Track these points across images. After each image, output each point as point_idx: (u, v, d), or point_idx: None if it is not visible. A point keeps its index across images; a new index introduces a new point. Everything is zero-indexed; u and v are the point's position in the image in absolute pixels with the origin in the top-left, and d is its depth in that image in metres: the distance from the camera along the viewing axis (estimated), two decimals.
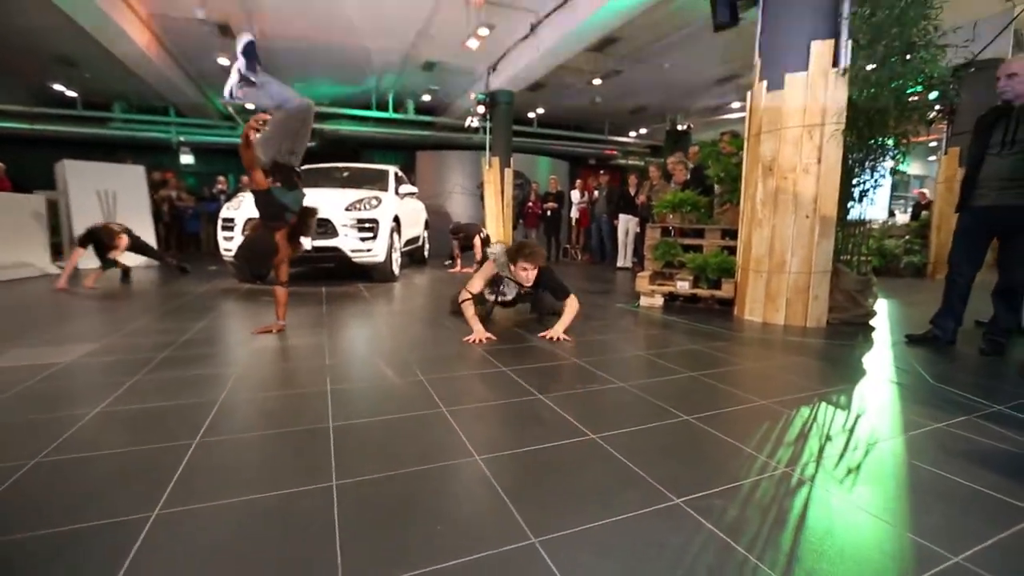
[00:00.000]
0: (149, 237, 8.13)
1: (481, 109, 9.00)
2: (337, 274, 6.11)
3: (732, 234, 4.27)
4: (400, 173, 7.37)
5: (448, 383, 2.20)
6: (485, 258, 5.08)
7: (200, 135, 13.52)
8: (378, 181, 6.66)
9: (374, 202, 5.57)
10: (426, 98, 11.54)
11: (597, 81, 9.11)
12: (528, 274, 3.21)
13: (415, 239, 7.53)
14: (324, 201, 5.41)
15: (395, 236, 5.99)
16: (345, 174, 7.04)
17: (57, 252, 7.51)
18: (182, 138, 13.26)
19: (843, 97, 3.37)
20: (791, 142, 3.47)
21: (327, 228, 5.21)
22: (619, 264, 8.18)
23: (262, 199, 2.90)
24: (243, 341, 2.96)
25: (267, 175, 2.96)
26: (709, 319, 3.75)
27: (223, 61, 8.23)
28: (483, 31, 6.42)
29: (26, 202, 6.83)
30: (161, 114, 12.98)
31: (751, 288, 3.72)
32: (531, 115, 13.25)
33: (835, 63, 3.39)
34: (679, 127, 13.13)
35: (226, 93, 3.02)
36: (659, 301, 4.27)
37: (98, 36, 6.97)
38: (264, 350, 2.74)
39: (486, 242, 7.38)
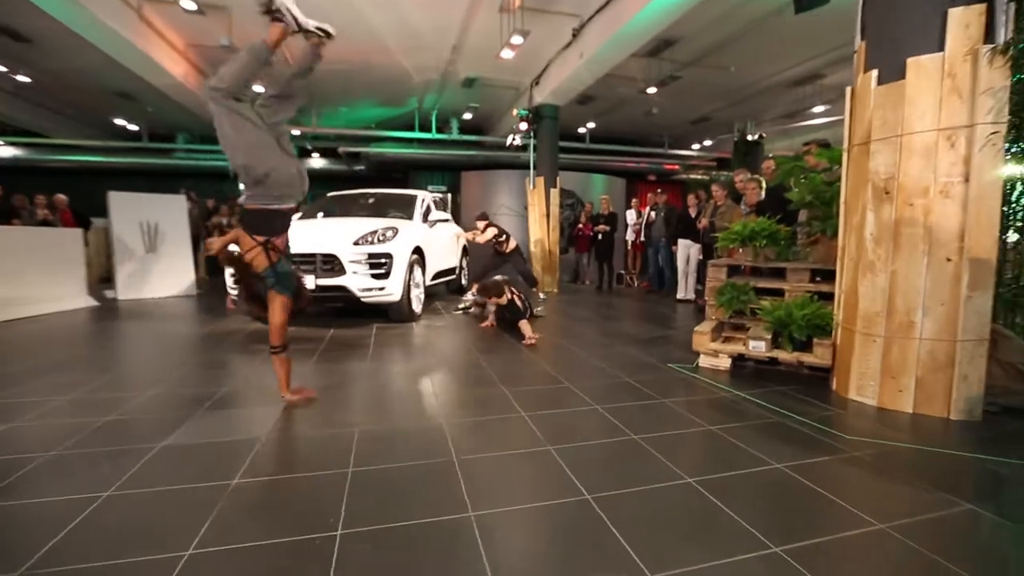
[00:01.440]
0: (188, 265, 8.09)
1: (523, 126, 8.30)
2: (350, 312, 5.52)
3: (826, 275, 3.21)
4: (434, 197, 6.79)
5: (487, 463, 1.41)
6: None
7: None
8: (406, 207, 6.09)
9: (389, 234, 4.95)
10: (467, 116, 11.02)
11: (652, 90, 8.17)
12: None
13: (449, 270, 6.84)
14: (330, 235, 4.88)
15: (416, 271, 5.34)
16: (371, 200, 6.54)
17: (105, 280, 7.59)
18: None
19: (1004, 85, 2.29)
20: (920, 153, 2.43)
21: (333, 265, 4.63)
22: (679, 296, 7.09)
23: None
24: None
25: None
26: (796, 399, 2.72)
27: (258, 88, 8.11)
28: (516, 39, 5.74)
29: (66, 236, 6.87)
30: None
31: (859, 357, 2.66)
32: (582, 130, 12.41)
33: (988, 37, 2.33)
34: (749, 137, 11.77)
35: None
36: (725, 363, 3.27)
37: (138, 71, 7.00)
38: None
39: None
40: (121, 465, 1.89)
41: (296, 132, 11.69)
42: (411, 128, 11.39)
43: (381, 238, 4.87)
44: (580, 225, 9.67)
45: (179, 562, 1.33)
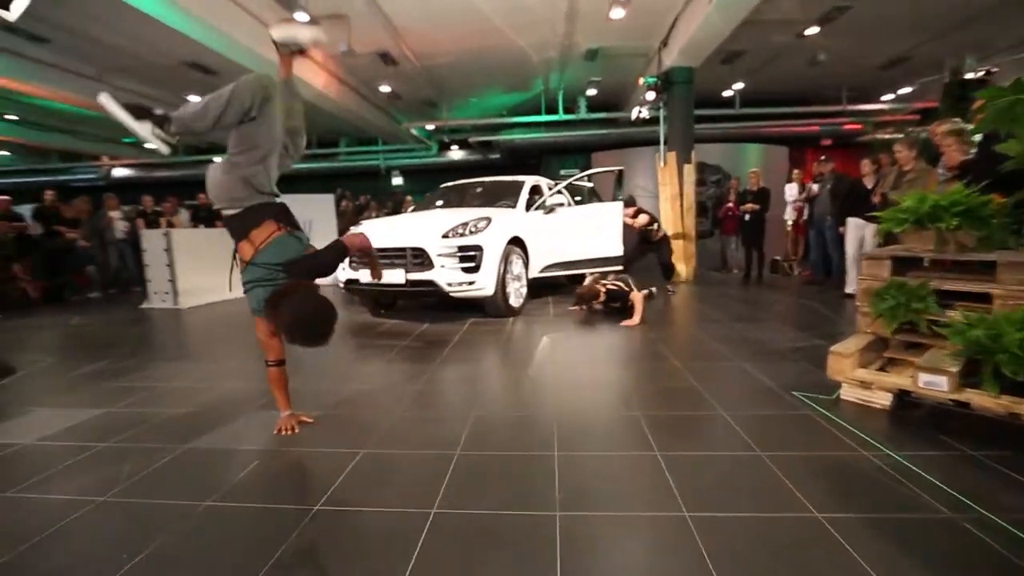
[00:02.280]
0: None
1: (651, 95, 7.35)
2: (449, 306, 5.39)
3: None
4: (547, 182, 6.30)
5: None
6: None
7: (403, 159, 14.93)
8: (513, 194, 5.77)
9: (481, 224, 4.69)
10: (591, 92, 10.23)
11: (812, 30, 6.49)
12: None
13: (580, 261, 5.88)
14: (420, 228, 4.79)
15: (516, 262, 5.00)
16: (479, 189, 6.38)
17: None
18: (381, 163, 14.82)
19: None
20: None
21: (423, 259, 4.53)
22: (848, 289, 5.61)
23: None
24: None
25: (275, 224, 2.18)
26: (1006, 479, 1.72)
27: (385, 88, 8.53)
28: None
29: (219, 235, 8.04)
30: (373, 144, 14.73)
31: None
32: (728, 93, 10.71)
33: None
34: (970, 74, 8.81)
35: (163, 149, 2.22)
36: (881, 400, 2.29)
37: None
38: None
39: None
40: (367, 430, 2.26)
41: (431, 127, 12.24)
42: (538, 112, 11.05)
43: (473, 229, 4.63)
44: (729, 204, 8.34)
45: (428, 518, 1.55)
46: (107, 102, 2.03)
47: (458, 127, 12.68)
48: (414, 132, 12.50)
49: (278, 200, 2.28)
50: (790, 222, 8.83)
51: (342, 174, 15.12)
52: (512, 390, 2.84)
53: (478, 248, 4.55)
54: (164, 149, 2.15)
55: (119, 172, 16.15)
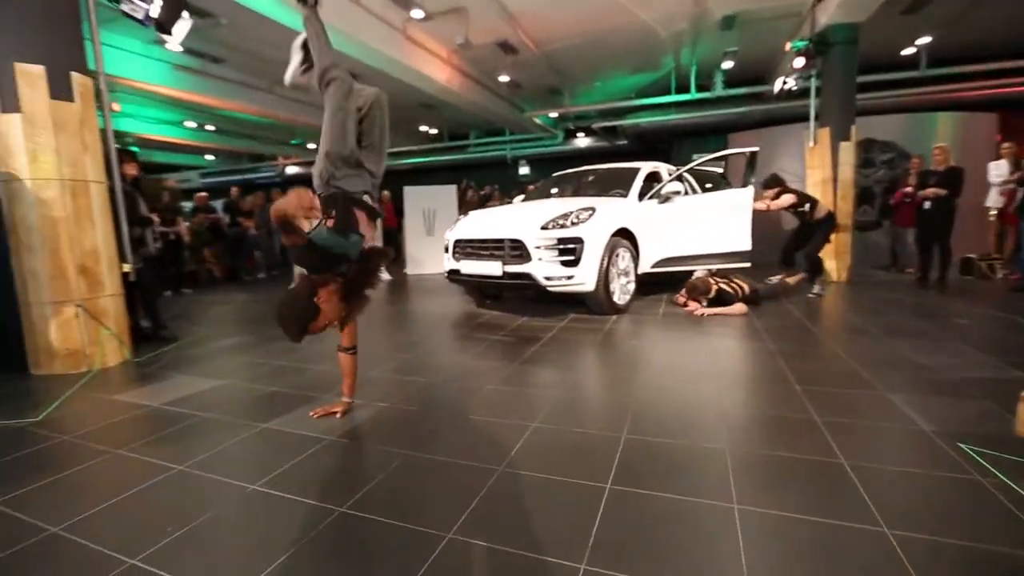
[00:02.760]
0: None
1: (800, 62, 6.25)
2: (554, 299, 5.19)
3: None
4: (668, 168, 5.76)
5: None
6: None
7: (528, 148, 15.00)
8: (626, 183, 5.36)
9: (583, 216, 4.41)
10: (727, 66, 9.02)
11: None
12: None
13: (704, 255, 5.24)
14: (519, 219, 4.66)
15: (621, 255, 4.64)
16: (590, 178, 6.06)
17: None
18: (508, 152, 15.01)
19: None
20: None
21: (521, 251, 4.41)
22: None
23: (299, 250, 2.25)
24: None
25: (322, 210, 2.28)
26: None
27: (504, 78, 8.52)
28: None
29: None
30: (500, 135, 15.02)
31: None
32: (909, 51, 8.69)
33: None
34: None
35: (287, 79, 2.58)
36: None
37: (413, 83, 8.23)
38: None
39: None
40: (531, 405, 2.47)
41: (554, 114, 12.04)
42: (668, 92, 10.19)
43: (575, 220, 4.38)
44: (909, 188, 6.83)
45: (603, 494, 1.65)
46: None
47: (583, 113, 12.30)
48: (538, 121, 12.42)
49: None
50: (995, 210, 6.97)
51: (472, 165, 15.72)
52: (585, 402, 2.58)
53: (578, 240, 4.29)
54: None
55: (291, 169, 18.79)
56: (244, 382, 3.01)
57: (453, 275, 5.00)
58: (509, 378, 2.89)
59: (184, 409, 2.57)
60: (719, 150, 5.98)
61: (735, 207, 5.14)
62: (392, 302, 6.03)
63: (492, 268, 4.54)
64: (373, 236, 2.34)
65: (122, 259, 3.71)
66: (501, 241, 4.53)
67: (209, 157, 17.70)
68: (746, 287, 4.72)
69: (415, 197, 9.62)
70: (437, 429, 2.24)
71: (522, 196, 6.17)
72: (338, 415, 2.39)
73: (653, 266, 5.17)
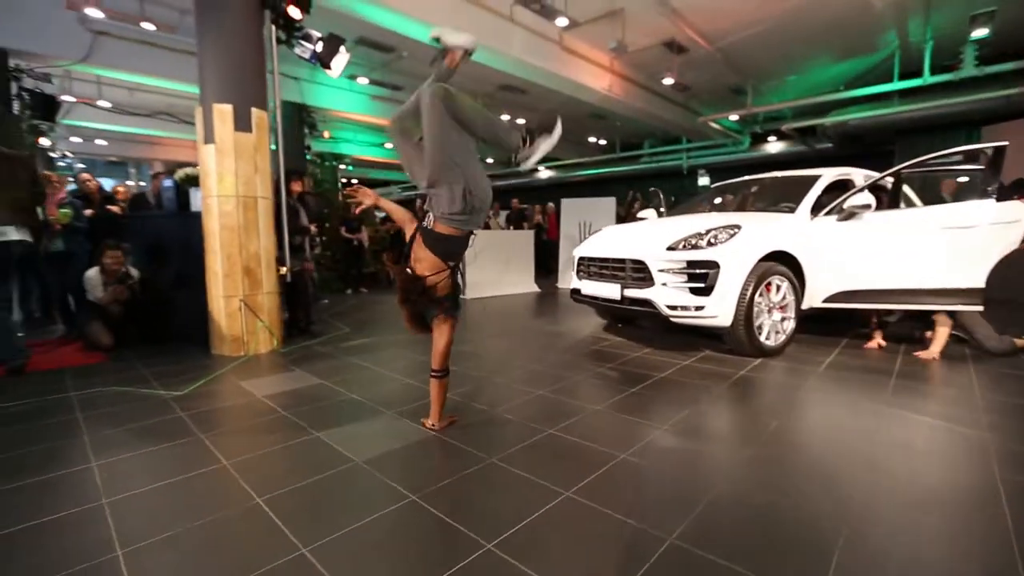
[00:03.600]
0: None
1: None
2: (684, 329, 4.44)
3: None
4: (863, 175, 4.53)
5: None
6: None
7: (708, 156, 13.63)
8: (797, 195, 4.36)
9: (721, 235, 3.67)
10: (980, 34, 6.53)
11: None
12: None
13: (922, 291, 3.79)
14: (646, 236, 4.09)
15: (776, 285, 3.76)
16: (754, 188, 5.10)
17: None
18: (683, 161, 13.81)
19: None
20: None
21: (644, 274, 3.87)
22: None
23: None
24: None
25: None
26: None
27: (667, 80, 7.75)
28: None
29: (521, 237, 8.87)
30: (677, 143, 13.96)
31: None
32: None
33: None
34: None
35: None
36: None
37: (572, 94, 8.10)
38: None
39: None
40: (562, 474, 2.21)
41: (734, 117, 10.64)
42: (888, 79, 8.09)
43: (712, 240, 3.67)
44: None
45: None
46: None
47: (774, 113, 10.64)
48: (716, 125, 11.14)
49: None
50: None
51: (646, 176, 14.96)
52: (654, 486, 2.03)
53: (712, 265, 3.57)
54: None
55: None
56: (334, 385, 3.19)
57: (575, 295, 4.67)
58: (569, 428, 2.47)
59: (274, 404, 2.82)
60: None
61: (964, 228, 3.70)
62: (524, 314, 5.96)
63: (611, 291, 4.08)
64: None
65: (280, 262, 4.34)
66: (623, 261, 4.04)
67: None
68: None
69: (573, 210, 9.47)
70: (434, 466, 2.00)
71: (651, 209, 5.47)
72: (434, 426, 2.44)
73: (826, 300, 4.07)
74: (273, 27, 4.17)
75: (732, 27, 6.81)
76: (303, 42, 4.23)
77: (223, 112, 3.86)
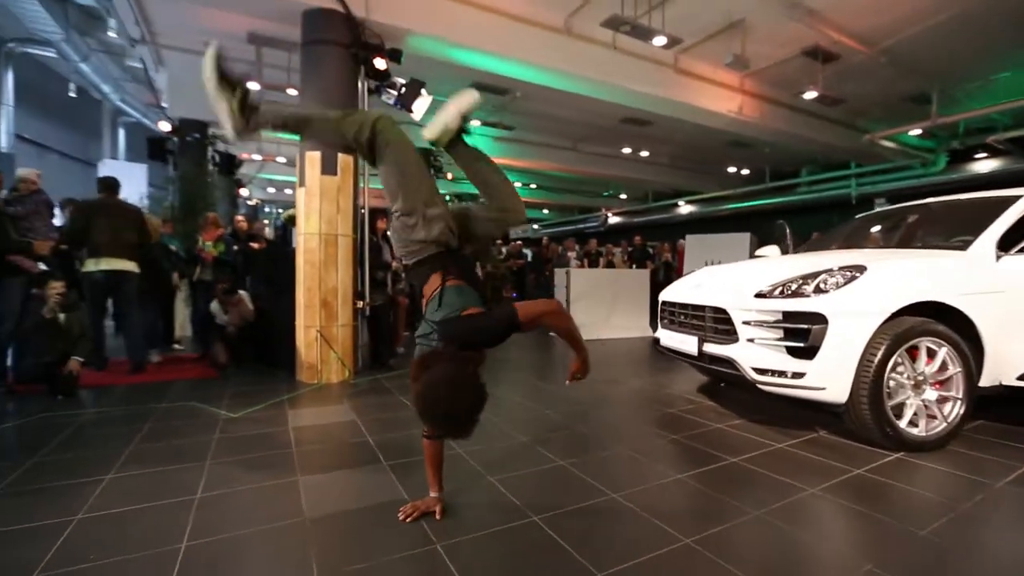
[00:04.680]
0: None
1: None
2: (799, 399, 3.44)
3: None
4: None
5: None
6: None
7: (885, 182, 11.27)
8: (980, 224, 3.18)
9: (834, 279, 2.79)
10: None
11: None
12: None
13: None
14: (731, 281, 3.33)
15: (928, 351, 2.72)
16: (912, 218, 3.92)
17: None
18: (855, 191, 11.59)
19: None
20: None
21: (727, 326, 3.11)
22: None
23: None
24: None
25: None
26: None
27: (810, 94, 6.51)
28: None
29: (637, 277, 8.16)
30: (844, 168, 11.83)
31: None
32: None
33: None
34: None
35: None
36: None
37: (692, 119, 7.40)
38: None
39: None
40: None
41: (915, 132, 8.54)
42: None
43: (820, 287, 2.81)
44: None
45: None
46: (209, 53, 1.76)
47: (979, 121, 8.35)
48: (888, 144, 9.11)
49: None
50: None
51: (805, 208, 12.95)
52: None
53: (816, 318, 2.71)
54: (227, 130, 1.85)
55: (613, 219, 19.98)
56: (366, 425, 3.10)
57: (657, 345, 4.01)
58: (552, 520, 1.96)
59: (293, 438, 2.83)
60: None
61: None
62: (610, 362, 5.38)
63: (689, 344, 3.38)
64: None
65: (359, 297, 4.54)
66: (702, 309, 3.33)
67: (545, 212, 20.72)
68: None
69: (698, 247, 8.56)
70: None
71: (773, 246, 4.46)
72: (436, 515, 1.90)
73: (1022, 378, 2.82)
74: (364, 78, 4.51)
75: (895, 23, 5.50)
76: (388, 89, 4.49)
77: (312, 158, 4.24)
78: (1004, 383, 2.87)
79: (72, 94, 11.84)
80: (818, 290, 2.80)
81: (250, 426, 3.06)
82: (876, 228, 4.14)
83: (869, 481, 2.30)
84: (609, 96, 6.71)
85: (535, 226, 22.80)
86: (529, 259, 11.79)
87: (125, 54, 8.07)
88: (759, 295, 2.96)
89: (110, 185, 4.53)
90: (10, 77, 10.32)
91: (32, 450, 2.62)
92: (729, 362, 3.03)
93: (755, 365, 2.90)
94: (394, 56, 4.59)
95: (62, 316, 3.83)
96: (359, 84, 4.53)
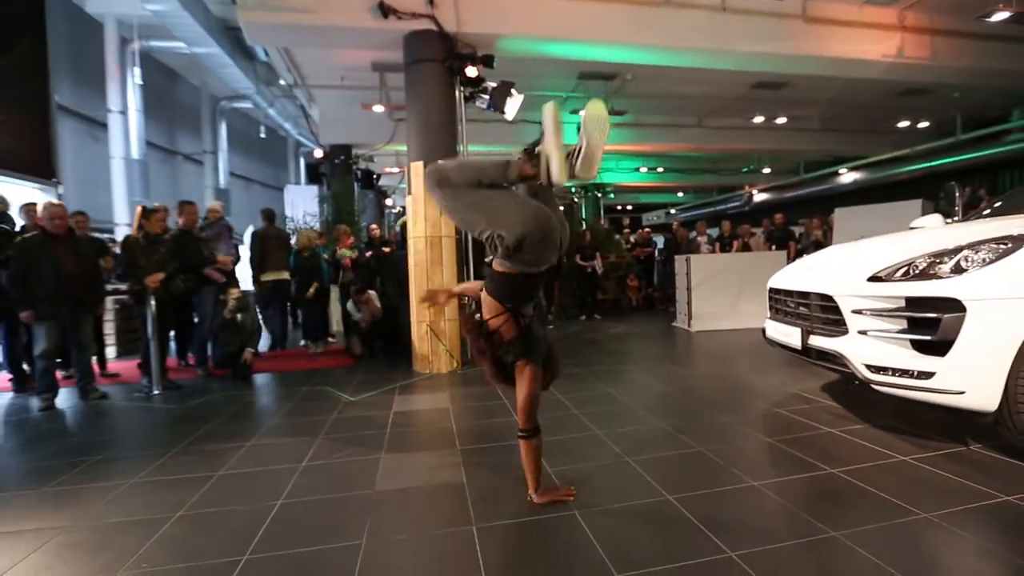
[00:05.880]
0: None
1: None
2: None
3: None
4: None
5: None
6: None
7: None
8: None
9: (973, 256, 2.25)
10: None
11: None
12: None
13: None
14: (844, 261, 2.83)
15: None
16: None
17: None
18: None
19: None
20: None
21: (836, 315, 2.68)
22: None
23: None
24: None
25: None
26: None
27: (1000, 16, 5.01)
28: None
29: (768, 259, 7.23)
30: None
31: None
32: None
33: None
34: None
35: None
36: None
37: (836, 73, 6.38)
38: None
39: None
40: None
41: None
42: None
43: (960, 266, 2.29)
44: None
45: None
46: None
47: None
48: None
49: None
50: None
51: (1015, 162, 10.21)
52: None
53: (950, 305, 2.20)
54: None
55: (759, 196, 17.98)
56: (456, 413, 3.36)
57: (764, 336, 3.60)
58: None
59: (392, 420, 3.21)
60: None
61: None
62: (732, 354, 4.96)
63: (793, 336, 2.99)
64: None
65: None
66: (807, 296, 2.91)
67: (680, 195, 19.45)
68: None
69: (849, 221, 7.37)
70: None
71: (937, 215, 3.59)
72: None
73: None
74: (460, 87, 4.81)
75: None
76: (482, 95, 4.72)
77: (416, 167, 4.66)
78: None
79: (262, 135, 14.58)
80: (958, 269, 2.27)
81: (362, 409, 3.54)
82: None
83: (1018, 512, 1.83)
84: (729, 64, 6.12)
85: (672, 210, 21.55)
86: (660, 246, 11.23)
87: (293, 96, 9.67)
88: (874, 278, 2.50)
89: (270, 216, 5.60)
90: (224, 128, 13.11)
91: (209, 419, 3.39)
92: (838, 357, 2.62)
93: (869, 362, 2.46)
94: (486, 62, 4.81)
95: (239, 316, 4.82)
96: (456, 93, 4.84)
